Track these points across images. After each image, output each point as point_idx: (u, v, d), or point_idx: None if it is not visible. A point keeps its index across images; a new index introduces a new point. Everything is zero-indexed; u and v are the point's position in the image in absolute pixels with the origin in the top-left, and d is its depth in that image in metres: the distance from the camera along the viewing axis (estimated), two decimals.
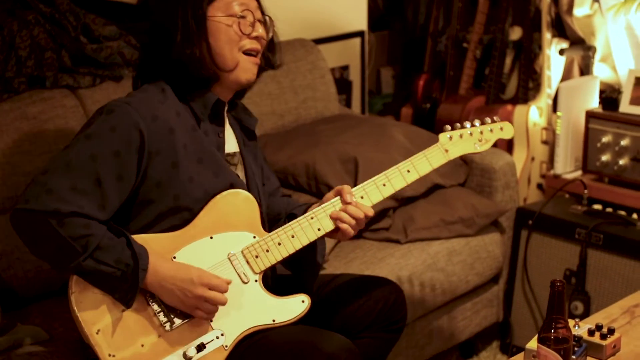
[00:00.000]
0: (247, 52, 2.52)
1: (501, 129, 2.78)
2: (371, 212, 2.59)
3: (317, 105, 4.03)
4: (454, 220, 3.55)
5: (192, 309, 2.41)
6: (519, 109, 4.28)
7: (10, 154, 3.09)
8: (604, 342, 2.51)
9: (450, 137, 2.69)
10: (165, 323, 2.42)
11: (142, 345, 2.40)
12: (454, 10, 4.72)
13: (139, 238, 2.40)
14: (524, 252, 3.79)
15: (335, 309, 2.73)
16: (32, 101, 3.22)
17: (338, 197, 2.59)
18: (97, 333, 2.37)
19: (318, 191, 3.54)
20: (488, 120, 2.75)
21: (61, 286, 3.04)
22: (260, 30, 2.53)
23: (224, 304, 2.43)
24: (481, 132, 2.73)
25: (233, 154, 2.63)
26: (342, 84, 4.53)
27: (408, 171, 2.63)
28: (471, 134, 2.71)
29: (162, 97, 2.48)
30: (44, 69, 3.32)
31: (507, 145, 4.32)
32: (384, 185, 2.62)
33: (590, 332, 2.55)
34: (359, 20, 4.67)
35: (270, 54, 2.64)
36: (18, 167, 3.10)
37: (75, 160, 2.35)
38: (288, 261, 2.59)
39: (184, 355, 2.42)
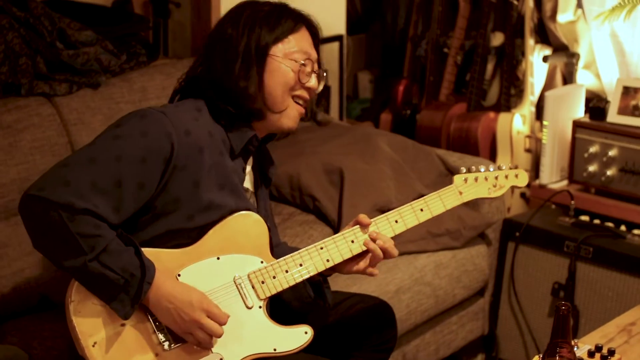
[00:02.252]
0: (295, 99, 2.49)
1: (516, 176, 2.75)
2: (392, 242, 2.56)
3: None
4: (440, 233, 3.48)
5: (186, 333, 2.32)
6: (503, 116, 4.22)
7: None
8: None
9: (466, 180, 2.66)
10: (163, 342, 2.33)
11: None
12: (434, 14, 4.64)
13: (146, 251, 2.31)
14: (510, 264, 3.73)
15: (326, 329, 2.65)
16: (7, 109, 3.11)
17: (349, 230, 2.52)
18: (93, 346, 2.27)
19: (302, 203, 3.46)
20: (503, 166, 2.73)
21: (38, 302, 2.96)
22: (313, 81, 2.51)
23: (219, 336, 2.33)
24: (496, 178, 2.70)
25: (248, 192, 2.56)
26: (321, 90, 4.43)
27: (421, 210, 2.59)
28: (486, 178, 2.68)
29: (197, 115, 2.41)
30: (19, 75, 3.21)
31: (490, 154, 4.25)
32: (396, 222, 2.56)
33: (590, 354, 2.50)
34: (337, 24, 4.58)
35: (315, 108, 2.61)
36: None
37: (99, 157, 2.26)
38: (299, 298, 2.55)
39: None
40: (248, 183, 2.56)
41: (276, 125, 2.50)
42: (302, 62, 2.46)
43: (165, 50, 4.10)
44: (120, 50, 3.47)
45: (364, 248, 2.50)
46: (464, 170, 2.67)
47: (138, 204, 2.32)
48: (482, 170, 2.68)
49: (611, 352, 2.48)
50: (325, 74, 2.57)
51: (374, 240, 2.50)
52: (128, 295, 2.25)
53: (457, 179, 2.65)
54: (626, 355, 2.58)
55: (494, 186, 2.70)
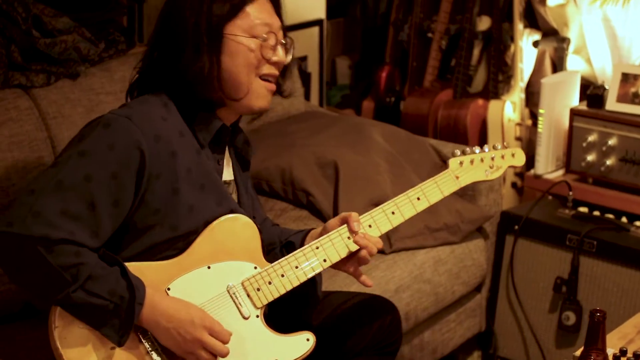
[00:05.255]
0: (263, 77, 2.27)
1: (513, 155, 2.65)
2: (381, 245, 2.41)
3: (283, 102, 3.78)
4: (438, 228, 3.35)
5: (188, 354, 2.17)
6: (494, 103, 4.09)
7: None
8: None
9: (461, 163, 2.54)
10: None
11: None
12: None
13: (131, 267, 2.15)
14: (509, 258, 3.60)
15: (329, 333, 2.52)
16: None
17: (345, 226, 2.38)
18: None
19: (295, 198, 3.31)
20: (498, 146, 2.62)
21: (21, 308, 2.79)
22: (280, 53, 2.28)
23: (224, 355, 2.19)
24: (492, 159, 2.59)
25: (229, 182, 2.40)
26: (301, 76, 4.28)
27: (418, 199, 2.47)
28: (482, 160, 2.57)
29: (165, 113, 2.22)
30: None
31: (480, 142, 4.12)
32: (393, 213, 2.44)
33: (615, 358, 2.38)
34: (317, 8, 4.44)
35: (281, 80, 2.38)
36: None
37: (67, 181, 2.09)
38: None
39: None
40: (227, 173, 2.39)
41: (247, 108, 2.30)
42: (264, 35, 2.24)
43: (140, 36, 3.91)
44: (98, 37, 3.29)
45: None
46: (459, 153, 2.54)
47: (116, 223, 2.15)
48: (477, 151, 2.56)
49: (637, 356, 2.37)
50: (292, 42, 2.34)
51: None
52: (120, 319, 2.10)
53: (453, 162, 2.53)
54: None
55: (491, 167, 2.58)
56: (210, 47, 2.20)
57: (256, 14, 2.24)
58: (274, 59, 2.26)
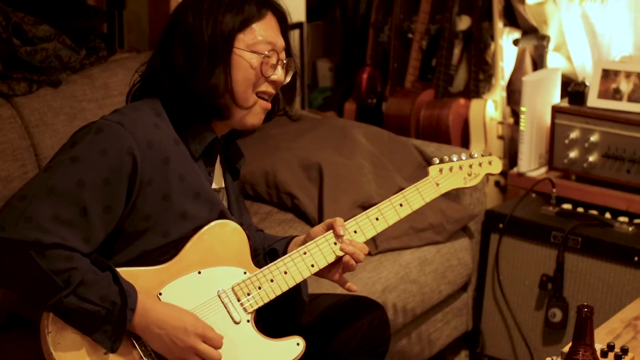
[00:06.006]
0: (260, 95, 2.29)
1: (490, 163, 2.66)
2: (367, 251, 2.43)
3: None
4: (423, 227, 3.36)
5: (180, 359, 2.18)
6: (475, 103, 4.09)
7: None
8: None
9: (441, 170, 2.56)
10: None
11: None
12: None
13: (123, 272, 2.16)
14: (494, 257, 3.62)
15: (318, 336, 2.53)
16: None
17: (331, 231, 2.39)
18: None
19: (279, 201, 3.31)
20: (475, 154, 2.64)
21: (6, 318, 2.77)
22: (279, 73, 2.30)
23: None
24: (470, 166, 2.61)
25: (219, 190, 2.41)
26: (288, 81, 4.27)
27: (401, 205, 2.48)
28: (461, 167, 2.58)
29: (157, 121, 2.23)
30: None
31: (462, 141, 4.13)
32: (377, 219, 2.45)
33: (603, 353, 2.39)
34: (297, 11, 4.42)
35: (284, 99, 2.42)
36: None
37: (59, 186, 2.09)
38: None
39: None
40: (217, 182, 2.41)
41: (240, 123, 2.32)
42: (266, 53, 2.26)
43: (121, 43, 3.91)
44: (79, 45, 3.30)
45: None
46: (437, 161, 2.57)
47: (108, 229, 2.16)
48: (455, 159, 2.58)
49: (624, 351, 2.38)
50: (294, 63, 2.36)
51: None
52: (111, 325, 2.10)
53: (433, 170, 2.55)
54: (635, 351, 2.47)
55: (469, 175, 2.60)
56: (224, 61, 2.23)
57: (261, 31, 2.27)
58: (273, 77, 2.29)
